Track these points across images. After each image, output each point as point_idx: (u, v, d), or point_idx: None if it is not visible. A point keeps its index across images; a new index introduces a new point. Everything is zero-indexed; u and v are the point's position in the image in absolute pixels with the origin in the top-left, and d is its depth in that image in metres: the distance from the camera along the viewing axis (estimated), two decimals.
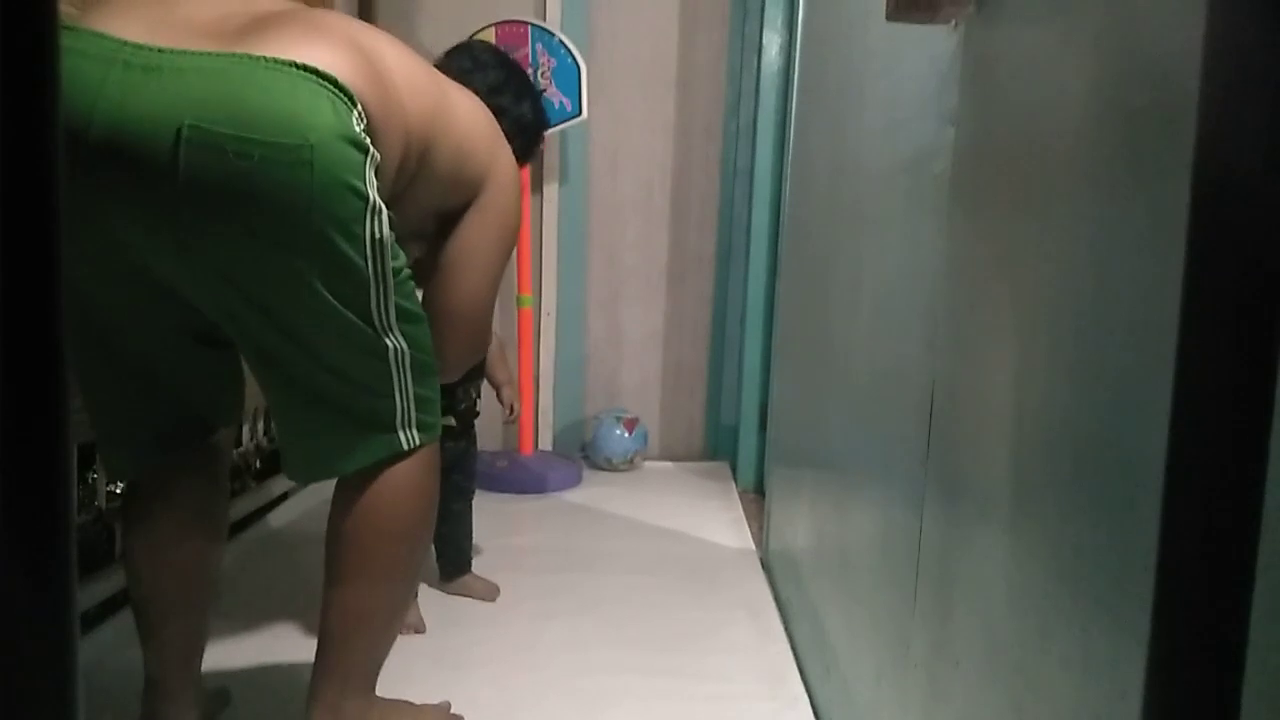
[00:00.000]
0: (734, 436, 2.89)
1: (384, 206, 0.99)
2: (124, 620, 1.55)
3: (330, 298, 0.97)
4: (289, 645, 1.51)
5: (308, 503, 2.38)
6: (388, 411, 1.08)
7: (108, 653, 1.44)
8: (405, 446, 1.09)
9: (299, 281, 0.95)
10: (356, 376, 1.04)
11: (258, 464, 2.47)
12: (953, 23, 0.88)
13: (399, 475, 1.10)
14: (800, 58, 1.94)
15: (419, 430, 1.11)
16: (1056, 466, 0.63)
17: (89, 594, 1.53)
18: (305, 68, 0.90)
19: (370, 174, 0.96)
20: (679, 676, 1.44)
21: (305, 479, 1.16)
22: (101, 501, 1.61)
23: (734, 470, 2.87)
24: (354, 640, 1.11)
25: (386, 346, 1.04)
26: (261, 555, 1.98)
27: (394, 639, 1.17)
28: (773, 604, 1.78)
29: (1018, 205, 0.73)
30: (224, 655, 1.46)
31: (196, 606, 1.19)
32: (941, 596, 0.85)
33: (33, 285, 0.29)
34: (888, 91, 1.16)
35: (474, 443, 1.84)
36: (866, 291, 1.23)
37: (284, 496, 2.37)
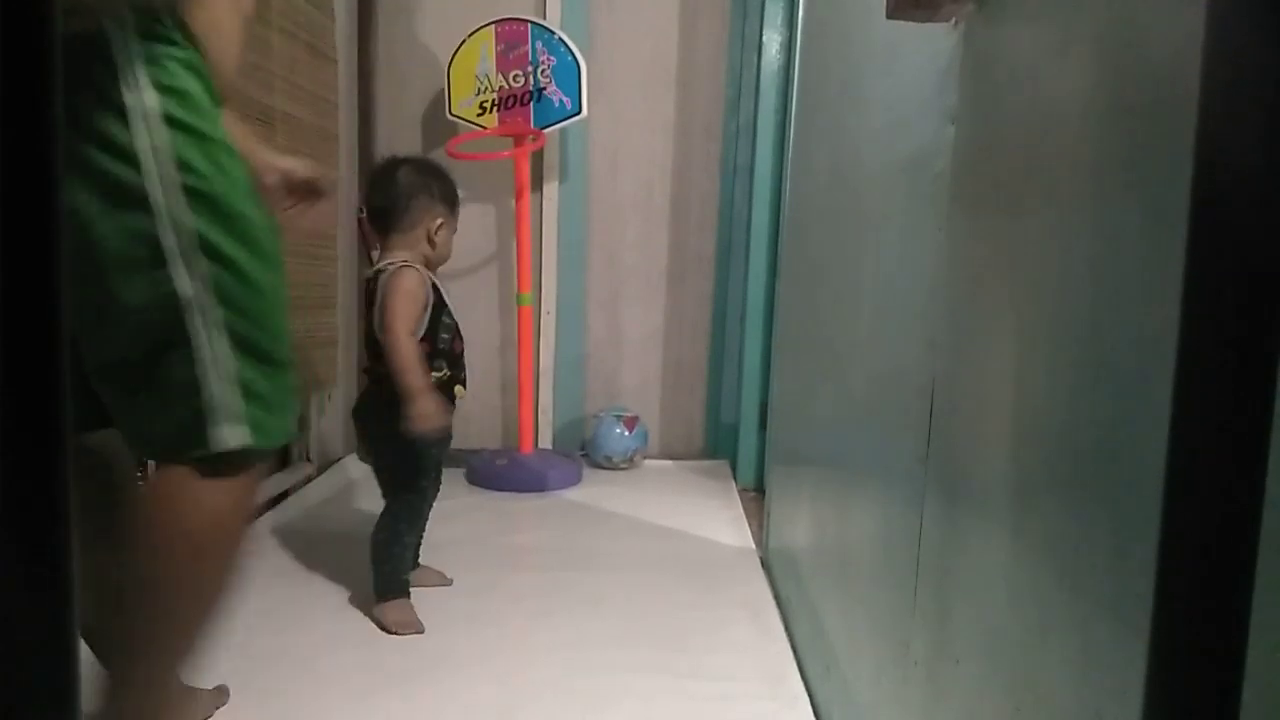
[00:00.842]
0: (734, 435, 2.89)
1: (162, 110, 0.83)
2: None
3: (108, 232, 0.83)
4: (288, 642, 1.51)
5: (308, 500, 2.38)
6: (184, 384, 0.86)
7: None
8: (211, 447, 0.87)
9: (77, 213, 0.82)
10: (145, 324, 0.86)
11: None
12: (953, 20, 0.87)
13: (202, 499, 0.89)
14: (800, 56, 1.94)
15: (248, 427, 0.89)
16: (1056, 466, 0.63)
17: None
18: None
19: (132, 71, 0.81)
20: (679, 675, 1.44)
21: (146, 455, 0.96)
22: None
23: (734, 469, 2.87)
24: (148, 660, 0.98)
25: (176, 293, 0.85)
26: (261, 554, 1.98)
27: (197, 637, 1.02)
28: (772, 603, 1.78)
29: (1018, 204, 0.73)
30: (225, 651, 1.46)
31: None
32: (941, 595, 0.85)
33: (33, 286, 0.29)
34: (888, 90, 1.15)
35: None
36: (866, 291, 1.23)
37: (284, 494, 2.37)
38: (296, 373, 0.95)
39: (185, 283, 0.85)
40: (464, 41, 2.69)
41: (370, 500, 2.44)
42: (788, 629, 1.64)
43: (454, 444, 3.04)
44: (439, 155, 2.93)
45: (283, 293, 0.94)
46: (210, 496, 0.91)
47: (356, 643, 1.53)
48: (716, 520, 2.35)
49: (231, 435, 0.88)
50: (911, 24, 0.92)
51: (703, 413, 3.09)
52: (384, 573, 1.62)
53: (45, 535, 0.31)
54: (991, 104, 0.80)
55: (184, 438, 0.88)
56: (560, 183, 2.94)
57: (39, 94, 0.29)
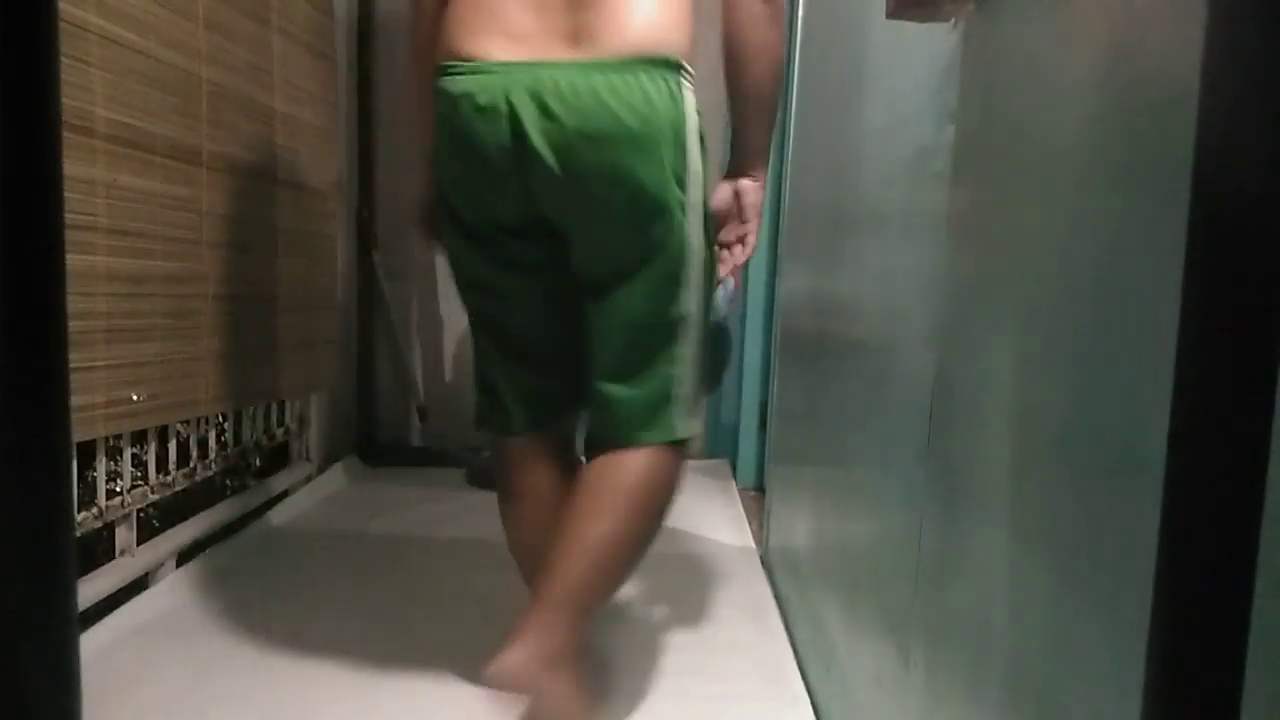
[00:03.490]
0: (734, 434, 2.89)
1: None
2: (123, 619, 1.55)
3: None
4: (287, 641, 1.51)
5: (308, 501, 2.38)
6: (667, 378, 1.22)
7: (107, 651, 1.44)
8: (677, 434, 1.21)
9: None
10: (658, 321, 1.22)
11: (257, 462, 2.47)
12: (953, 21, 0.87)
13: (672, 474, 1.23)
14: (800, 56, 1.94)
15: (691, 421, 1.24)
16: (1056, 466, 0.63)
17: (88, 592, 1.53)
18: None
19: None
20: (679, 675, 1.44)
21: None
22: (101, 501, 1.61)
23: (734, 468, 2.86)
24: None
25: (684, 300, 1.20)
26: (262, 553, 1.98)
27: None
28: (773, 602, 1.78)
29: (1018, 204, 0.73)
30: (225, 651, 1.46)
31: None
32: (941, 595, 0.85)
33: (35, 288, 0.29)
34: (887, 90, 1.15)
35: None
36: (866, 291, 1.23)
37: (284, 494, 2.37)
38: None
39: (692, 296, 1.17)
40: None
41: (369, 500, 2.44)
42: (788, 629, 1.64)
43: (453, 443, 3.06)
44: None
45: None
46: (674, 472, 1.21)
47: (356, 642, 1.52)
48: (716, 520, 2.35)
49: (687, 427, 1.19)
50: (911, 24, 0.92)
51: (703, 412, 3.09)
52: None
53: (45, 535, 0.31)
54: (991, 104, 0.80)
55: (661, 423, 1.17)
56: None
57: (39, 92, 0.29)
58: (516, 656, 1.10)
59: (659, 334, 1.17)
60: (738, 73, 1.21)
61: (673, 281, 1.15)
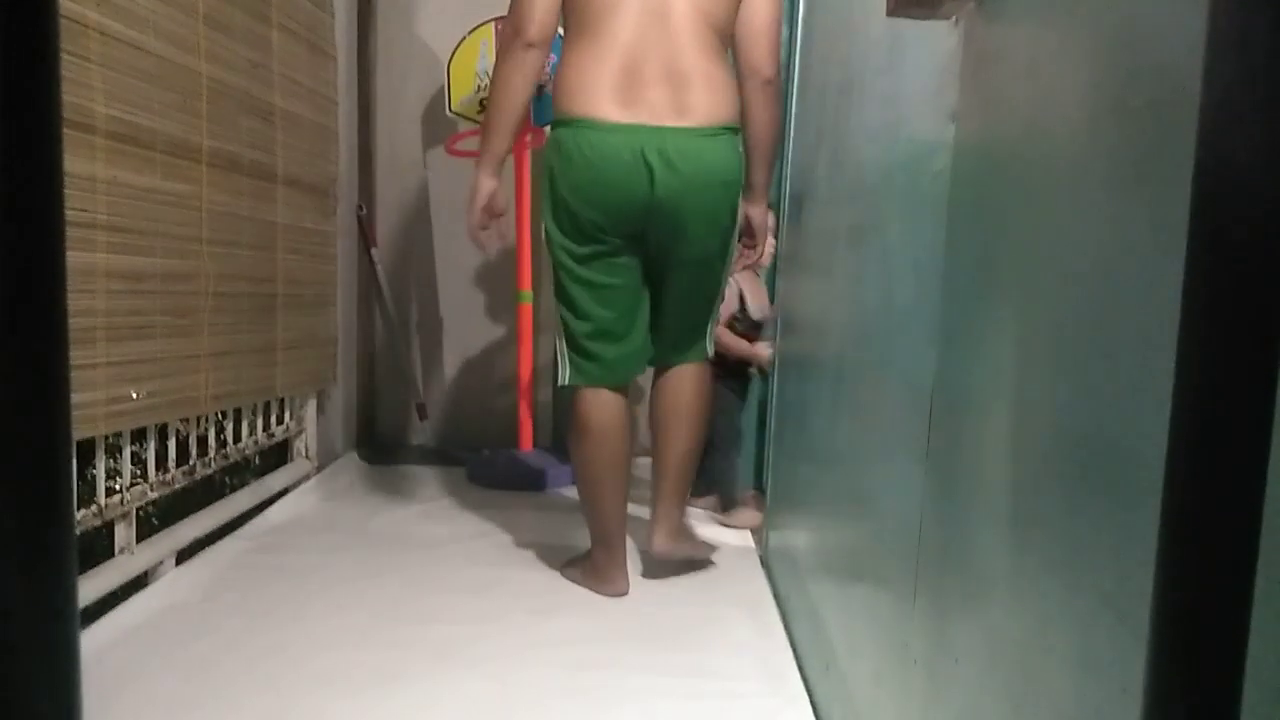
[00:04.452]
0: None
1: None
2: (123, 617, 1.55)
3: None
4: (286, 639, 1.51)
5: (307, 499, 2.38)
6: (709, 315, 1.85)
7: (107, 649, 1.44)
8: (709, 355, 1.88)
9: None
10: (719, 275, 1.82)
11: (257, 460, 2.47)
12: (953, 19, 0.87)
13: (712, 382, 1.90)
14: (800, 55, 1.94)
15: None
16: (1056, 465, 0.63)
17: (88, 590, 1.53)
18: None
19: None
20: (678, 674, 1.44)
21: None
22: (101, 499, 1.61)
23: None
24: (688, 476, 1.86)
25: (727, 254, 1.82)
26: (261, 551, 1.98)
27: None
28: (772, 601, 1.78)
29: (1017, 203, 0.73)
30: (225, 648, 1.46)
31: (626, 476, 1.81)
32: (941, 594, 0.85)
33: (35, 287, 0.29)
34: (888, 88, 1.15)
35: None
36: (866, 290, 1.23)
37: (284, 492, 2.37)
38: None
39: (727, 273, 1.82)
40: (464, 38, 2.69)
41: (369, 498, 2.44)
42: (787, 628, 1.64)
43: (452, 442, 3.06)
44: (438, 152, 2.93)
45: None
46: (711, 379, 1.89)
47: (355, 640, 1.53)
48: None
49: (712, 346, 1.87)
50: (911, 22, 0.92)
51: None
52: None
53: (45, 534, 0.31)
54: (992, 102, 0.80)
55: (705, 346, 1.84)
56: None
57: (39, 89, 0.29)
58: (663, 541, 1.81)
59: (713, 295, 1.81)
60: (748, 133, 1.72)
61: (724, 267, 1.78)
